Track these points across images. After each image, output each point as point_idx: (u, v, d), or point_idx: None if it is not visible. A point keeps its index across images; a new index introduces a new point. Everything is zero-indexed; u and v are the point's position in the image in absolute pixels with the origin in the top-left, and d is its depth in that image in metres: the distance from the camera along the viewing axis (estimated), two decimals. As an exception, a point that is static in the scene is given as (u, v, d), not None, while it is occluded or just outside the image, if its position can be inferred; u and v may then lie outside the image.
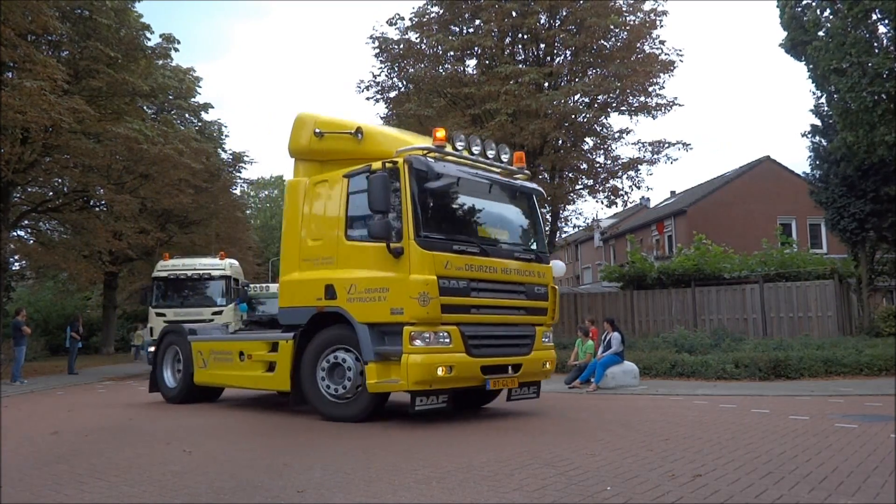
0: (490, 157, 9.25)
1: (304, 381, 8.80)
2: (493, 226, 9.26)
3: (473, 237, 8.73)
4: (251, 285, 28.57)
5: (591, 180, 24.38)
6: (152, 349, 19.44)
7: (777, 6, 18.36)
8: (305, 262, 9.12)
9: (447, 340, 7.94)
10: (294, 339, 8.96)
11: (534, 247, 9.53)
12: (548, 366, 9.39)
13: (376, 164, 8.37)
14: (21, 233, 27.58)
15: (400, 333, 7.86)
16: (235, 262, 23.19)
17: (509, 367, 8.66)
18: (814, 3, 17.41)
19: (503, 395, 9.33)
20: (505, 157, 9.49)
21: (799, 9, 17.52)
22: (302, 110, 9.97)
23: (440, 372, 7.85)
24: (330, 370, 8.61)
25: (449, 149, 8.73)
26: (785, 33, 18.21)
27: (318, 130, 9.33)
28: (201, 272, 20.96)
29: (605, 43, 22.62)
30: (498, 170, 9.37)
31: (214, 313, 19.81)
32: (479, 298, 8.31)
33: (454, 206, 8.88)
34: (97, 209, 28.46)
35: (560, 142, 23.04)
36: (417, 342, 7.79)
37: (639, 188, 23.70)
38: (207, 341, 11.03)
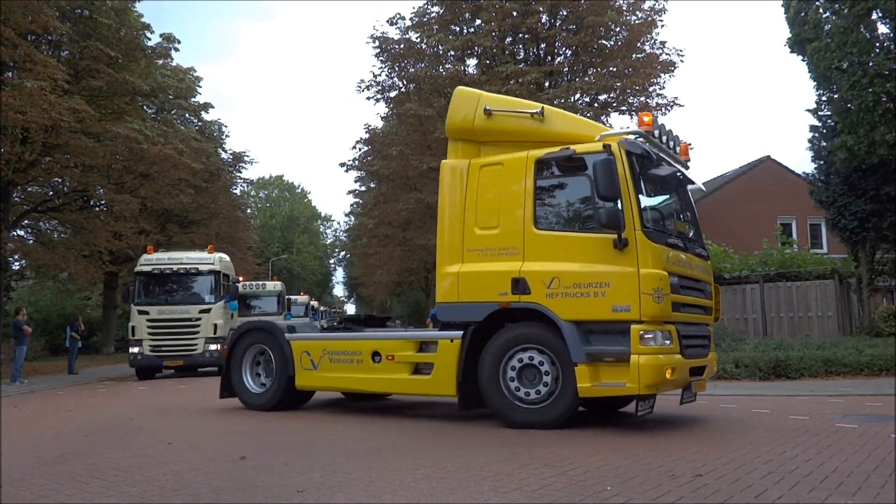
0: (670, 146, 8.60)
1: (485, 384, 7.88)
2: (682, 220, 8.83)
3: (675, 230, 8.26)
4: (241, 282, 28.23)
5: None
6: (135, 350, 18.36)
7: (782, 4, 18.37)
8: (472, 252, 8.24)
9: (669, 341, 7.31)
10: (464, 337, 8.08)
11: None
12: (714, 367, 8.82)
13: (584, 147, 7.70)
14: (21, 232, 27.60)
15: (614, 332, 7.27)
16: (225, 256, 21.60)
17: (700, 369, 8.07)
18: (817, 3, 17.41)
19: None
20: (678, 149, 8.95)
21: (802, 4, 17.50)
22: (462, 87, 9.23)
23: (668, 374, 7.19)
24: (520, 372, 7.74)
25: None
26: (789, 31, 18.20)
27: (487, 108, 8.47)
28: (188, 267, 19.31)
29: (606, 42, 22.65)
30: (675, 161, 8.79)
31: (202, 311, 18.72)
32: (686, 296, 7.80)
33: (659, 196, 8.30)
34: (97, 209, 28.47)
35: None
36: (649, 342, 7.12)
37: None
38: (319, 340, 9.79)
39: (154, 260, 19.41)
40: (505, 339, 7.87)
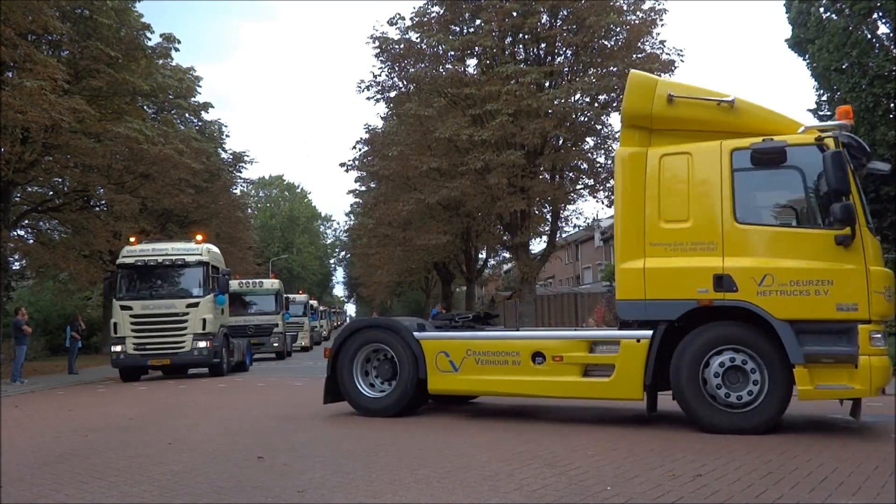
0: None
1: (682, 387, 7.38)
2: None
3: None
4: (236, 279, 27.81)
5: (592, 180, 24.39)
6: (117, 349, 17.11)
7: (784, 4, 18.41)
8: (658, 246, 7.72)
9: (884, 340, 7.03)
10: (653, 337, 7.56)
11: None
12: None
13: (795, 139, 7.32)
14: (21, 232, 27.61)
15: (832, 332, 6.93)
16: (214, 247, 20.21)
17: None
18: (818, 2, 17.43)
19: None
20: None
21: (804, 4, 17.53)
22: (637, 72, 8.79)
23: (891, 375, 6.99)
24: (724, 374, 7.25)
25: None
26: (790, 31, 18.22)
27: (671, 94, 7.93)
28: (174, 258, 17.79)
29: (606, 42, 22.65)
30: None
31: (189, 305, 17.35)
32: None
33: (858, 190, 8.03)
34: (97, 209, 28.48)
35: (560, 141, 23.06)
36: (878, 343, 6.81)
37: (639, 188, 23.64)
38: (461, 340, 8.88)
39: (137, 251, 18.07)
40: (706, 338, 7.37)
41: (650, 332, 7.58)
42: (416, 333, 8.99)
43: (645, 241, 7.78)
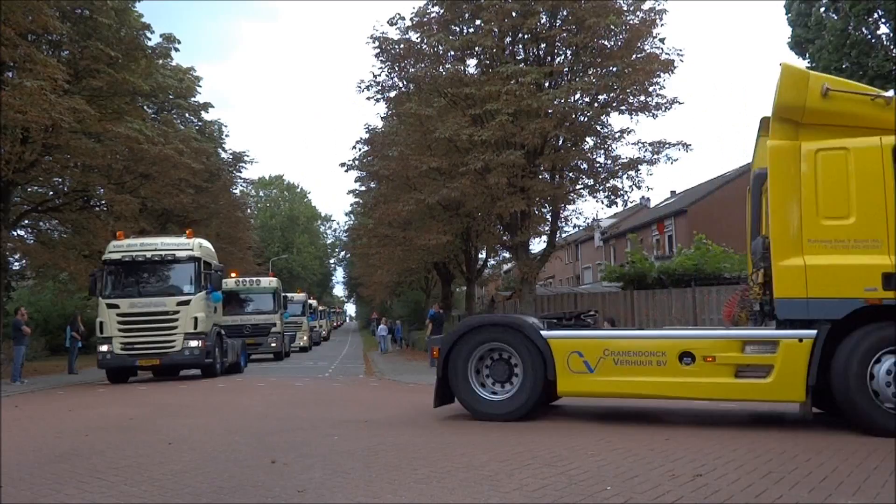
0: None
1: (850, 388, 7.19)
2: None
3: None
4: (234, 277, 27.53)
5: (592, 180, 24.38)
6: (104, 349, 16.41)
7: (784, 5, 18.45)
8: (817, 244, 7.57)
9: None
10: (817, 337, 7.35)
11: None
12: None
13: None
14: (21, 232, 27.62)
15: None
16: (206, 242, 19.71)
17: None
18: (817, 2, 17.47)
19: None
20: None
21: (804, 4, 17.57)
22: (787, 61, 8.59)
23: None
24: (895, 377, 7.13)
25: None
26: (791, 32, 18.26)
27: (827, 87, 7.78)
28: (163, 253, 17.01)
29: (606, 42, 22.66)
30: None
31: (180, 303, 16.71)
32: None
33: None
34: (97, 209, 28.47)
35: (560, 141, 23.07)
36: None
37: (639, 188, 23.66)
38: (597, 339, 8.54)
39: (124, 246, 17.25)
40: (875, 339, 7.24)
41: (814, 332, 7.39)
42: (543, 332, 8.57)
43: (802, 237, 7.63)
